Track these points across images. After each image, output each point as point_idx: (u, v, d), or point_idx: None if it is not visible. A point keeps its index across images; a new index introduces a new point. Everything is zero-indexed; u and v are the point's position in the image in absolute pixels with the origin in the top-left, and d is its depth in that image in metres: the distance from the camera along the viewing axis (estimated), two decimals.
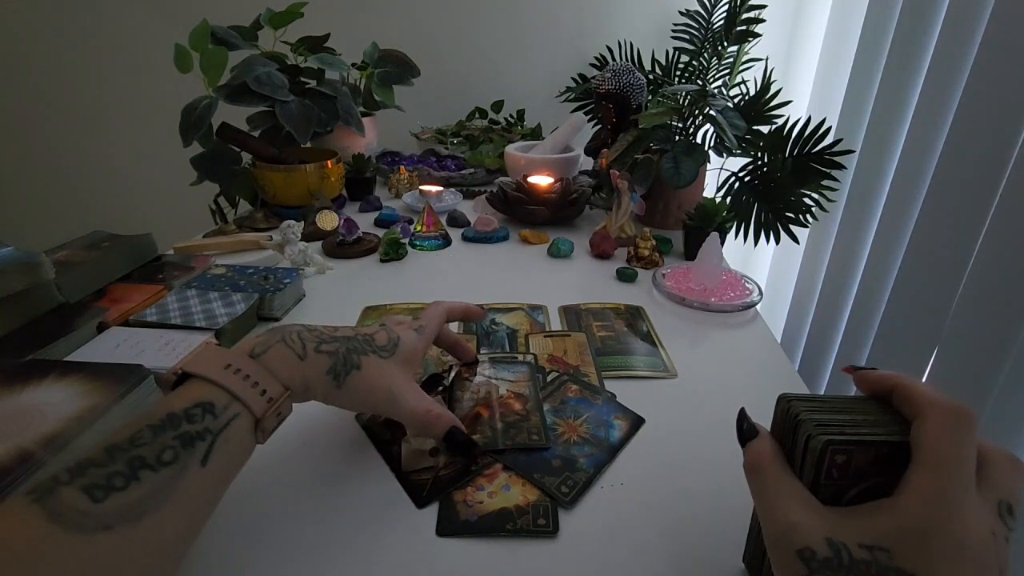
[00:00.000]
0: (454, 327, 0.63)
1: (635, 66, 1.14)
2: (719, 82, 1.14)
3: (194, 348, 0.52)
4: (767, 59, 0.97)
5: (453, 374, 0.52)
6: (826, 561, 0.22)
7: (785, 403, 0.28)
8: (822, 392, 1.03)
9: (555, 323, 0.64)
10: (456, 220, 0.95)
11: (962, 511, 0.21)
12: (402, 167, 1.13)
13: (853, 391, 0.35)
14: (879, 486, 0.24)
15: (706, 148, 0.86)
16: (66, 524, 0.23)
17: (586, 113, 1.26)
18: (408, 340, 0.42)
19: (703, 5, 1.20)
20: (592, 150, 1.05)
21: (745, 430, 0.29)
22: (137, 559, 0.25)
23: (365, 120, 1.09)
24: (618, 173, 0.82)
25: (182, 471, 0.27)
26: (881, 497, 0.24)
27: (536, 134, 1.32)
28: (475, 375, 0.51)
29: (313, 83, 1.04)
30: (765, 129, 0.83)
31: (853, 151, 0.81)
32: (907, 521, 0.22)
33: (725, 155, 0.87)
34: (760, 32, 0.99)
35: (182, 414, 0.29)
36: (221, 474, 0.30)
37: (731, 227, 0.82)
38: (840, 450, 0.24)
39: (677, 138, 0.87)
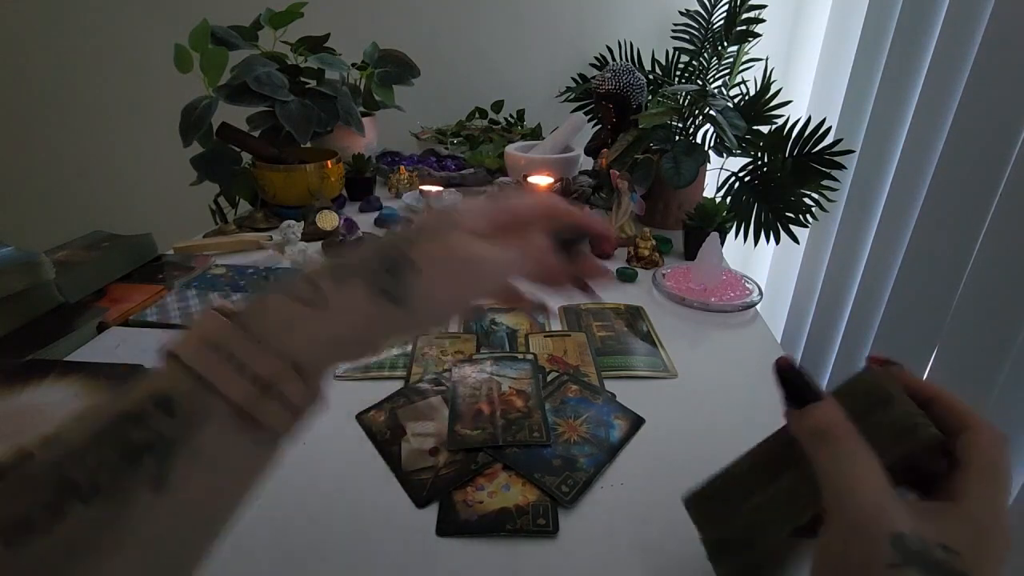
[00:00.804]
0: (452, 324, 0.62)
1: (635, 66, 1.14)
2: (719, 82, 1.14)
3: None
4: (767, 59, 0.97)
5: (454, 375, 0.52)
6: (916, 554, 0.21)
7: (874, 374, 0.28)
8: None
9: (555, 323, 0.64)
10: None
11: (1007, 522, 0.23)
12: (402, 167, 1.13)
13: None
14: (916, 481, 0.25)
15: (706, 148, 0.86)
16: None
17: (586, 113, 1.26)
18: (465, 209, 0.29)
19: (703, 5, 1.20)
20: (592, 150, 1.05)
21: (809, 389, 0.26)
22: None
23: (365, 120, 1.09)
24: (618, 173, 0.82)
25: (123, 502, 0.19)
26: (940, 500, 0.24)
27: (536, 134, 1.31)
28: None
29: (313, 83, 1.04)
30: (765, 129, 0.83)
31: (853, 151, 0.81)
32: (975, 527, 0.22)
33: (725, 155, 0.87)
34: (760, 32, 0.98)
35: (134, 414, 0.20)
36: (200, 501, 0.21)
37: (731, 227, 0.82)
38: (937, 446, 0.25)
39: (677, 138, 0.87)
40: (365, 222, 0.94)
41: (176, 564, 0.21)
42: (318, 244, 0.84)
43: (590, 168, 1.09)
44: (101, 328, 0.57)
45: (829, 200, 0.81)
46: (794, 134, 0.78)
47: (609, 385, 0.52)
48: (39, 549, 0.18)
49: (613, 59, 1.37)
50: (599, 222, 0.33)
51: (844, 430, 0.24)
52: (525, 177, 0.96)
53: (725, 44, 1.06)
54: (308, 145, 1.07)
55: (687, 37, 1.22)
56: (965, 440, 0.24)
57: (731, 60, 1.12)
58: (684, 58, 1.21)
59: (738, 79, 1.11)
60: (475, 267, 0.27)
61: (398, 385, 0.52)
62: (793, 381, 0.27)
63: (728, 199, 0.84)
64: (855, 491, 0.23)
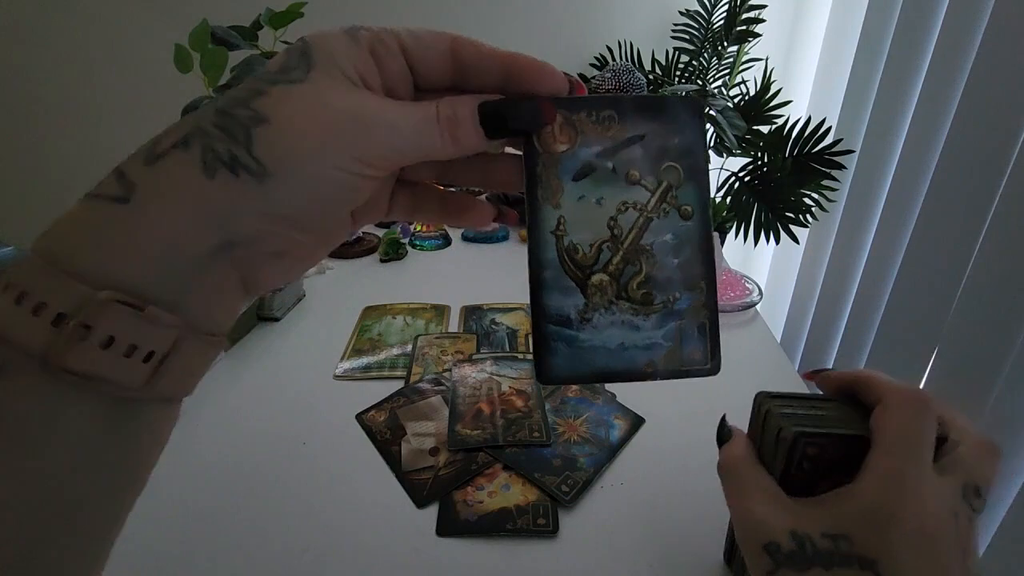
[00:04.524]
0: (455, 322, 0.62)
1: (635, 66, 1.14)
2: (719, 82, 1.14)
3: None
4: (767, 59, 0.97)
5: (454, 375, 0.52)
6: (791, 554, 0.22)
7: (759, 400, 0.29)
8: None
9: None
10: None
11: (919, 491, 0.21)
12: None
13: None
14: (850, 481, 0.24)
15: None
16: None
17: None
18: (325, 39, 0.19)
19: (703, 5, 1.20)
20: None
21: (723, 434, 0.29)
22: None
23: None
24: None
25: None
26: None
27: None
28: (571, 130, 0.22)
29: None
30: (765, 129, 0.83)
31: (853, 151, 0.81)
32: (864, 505, 0.22)
33: (725, 155, 0.87)
34: (760, 32, 0.99)
35: None
36: (18, 472, 0.16)
37: (731, 227, 0.82)
38: (811, 442, 0.25)
39: None
40: None
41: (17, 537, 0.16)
42: None
43: None
44: None
45: (829, 200, 0.81)
46: (794, 134, 0.79)
47: (609, 385, 0.52)
48: None
49: (613, 59, 1.37)
50: (544, 68, 0.20)
51: (738, 460, 0.26)
52: None
53: (725, 44, 1.06)
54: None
55: (687, 37, 1.22)
56: (874, 416, 0.24)
57: (731, 60, 1.12)
58: (684, 58, 1.21)
59: (738, 79, 1.11)
60: (361, 124, 0.18)
61: (398, 385, 0.52)
62: (718, 428, 0.30)
63: (728, 199, 0.84)
64: (735, 515, 0.25)
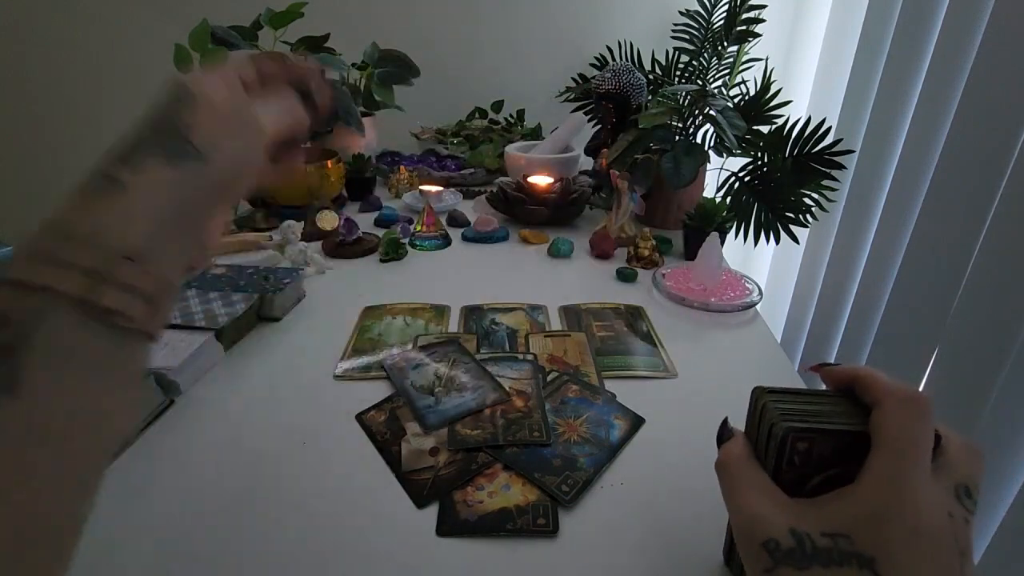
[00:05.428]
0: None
1: (635, 66, 1.14)
2: (719, 82, 1.14)
3: None
4: (767, 59, 0.97)
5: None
6: (790, 551, 0.22)
7: (755, 394, 0.29)
8: None
9: (555, 323, 0.64)
10: (456, 220, 0.95)
11: (916, 493, 0.22)
12: (402, 167, 1.13)
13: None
14: (843, 475, 0.24)
15: (706, 148, 0.86)
16: None
17: (586, 113, 1.26)
18: (230, 65, 0.30)
19: (703, 5, 1.20)
20: (592, 150, 1.05)
21: (723, 435, 0.30)
22: None
23: (365, 120, 1.09)
24: (618, 173, 0.82)
25: None
26: (846, 485, 0.24)
27: (536, 134, 1.31)
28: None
29: None
30: (765, 129, 0.83)
31: (853, 151, 0.81)
32: (865, 506, 0.22)
33: (725, 155, 0.87)
34: (760, 32, 0.99)
35: None
36: (68, 396, 0.21)
37: (731, 227, 0.82)
38: (801, 437, 0.25)
39: (677, 138, 0.87)
40: (365, 222, 0.94)
41: (56, 463, 0.21)
42: (318, 244, 0.84)
43: (590, 168, 1.09)
44: None
45: (829, 200, 0.81)
46: (794, 134, 0.78)
47: (609, 385, 0.52)
48: None
49: (613, 59, 1.37)
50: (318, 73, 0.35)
51: (735, 458, 0.27)
52: (525, 177, 0.96)
53: (725, 44, 1.06)
54: (308, 145, 1.07)
55: (687, 37, 1.22)
56: (873, 416, 0.24)
57: (731, 60, 1.12)
58: (684, 58, 1.21)
59: (738, 79, 1.11)
60: (249, 119, 0.29)
61: None
62: (719, 430, 0.30)
63: (728, 199, 0.84)
64: (733, 512, 0.26)
